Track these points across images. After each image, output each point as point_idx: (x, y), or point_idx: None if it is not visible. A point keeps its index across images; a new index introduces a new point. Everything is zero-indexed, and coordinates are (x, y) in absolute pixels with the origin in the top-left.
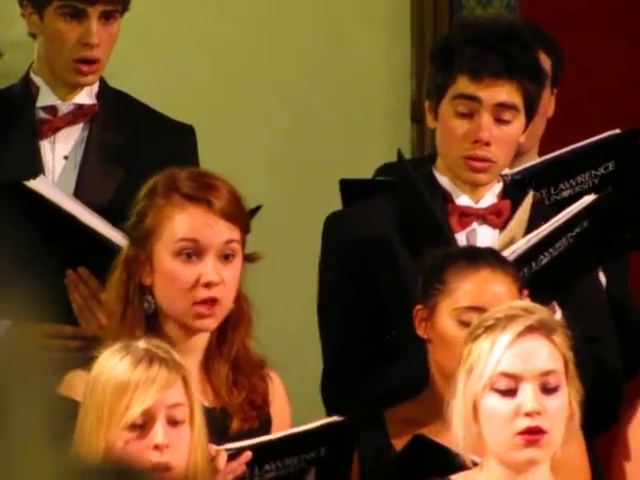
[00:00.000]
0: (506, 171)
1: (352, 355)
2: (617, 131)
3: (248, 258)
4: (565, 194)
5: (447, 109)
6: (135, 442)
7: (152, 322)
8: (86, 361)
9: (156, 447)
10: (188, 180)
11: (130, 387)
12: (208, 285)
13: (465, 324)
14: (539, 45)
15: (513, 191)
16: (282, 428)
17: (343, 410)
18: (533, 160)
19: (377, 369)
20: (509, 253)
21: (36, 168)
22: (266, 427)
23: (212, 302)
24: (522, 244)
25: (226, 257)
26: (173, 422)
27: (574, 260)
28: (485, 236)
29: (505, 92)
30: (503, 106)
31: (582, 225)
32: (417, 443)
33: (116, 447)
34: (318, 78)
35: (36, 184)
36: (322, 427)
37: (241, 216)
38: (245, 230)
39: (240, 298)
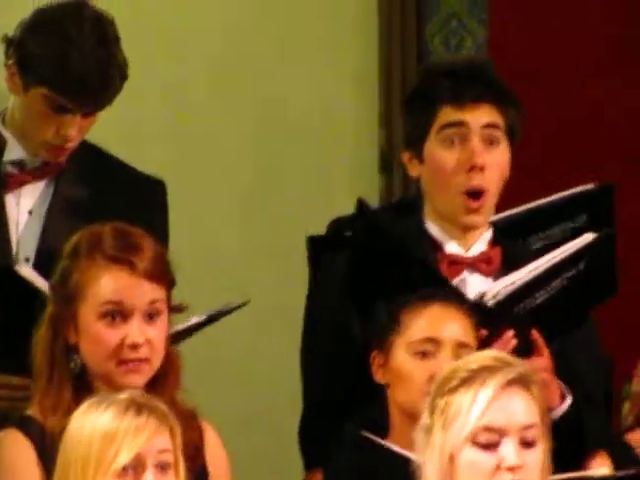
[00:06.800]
0: None
1: (329, 402)
2: (591, 186)
3: (175, 309)
4: (537, 246)
5: (434, 145)
6: None
7: (80, 380)
8: (20, 420)
9: None
10: (111, 239)
11: (119, 434)
12: (134, 346)
13: (421, 355)
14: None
15: (504, 238)
16: (219, 477)
17: (319, 453)
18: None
19: (354, 412)
20: (504, 287)
21: (0, 221)
22: (202, 478)
23: (139, 361)
24: (519, 277)
25: (150, 316)
26: (161, 468)
27: (568, 304)
28: (476, 285)
29: (487, 113)
30: (489, 127)
31: (578, 267)
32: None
33: None
34: (285, 129)
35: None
36: None
37: (165, 274)
38: (170, 286)
39: (168, 352)
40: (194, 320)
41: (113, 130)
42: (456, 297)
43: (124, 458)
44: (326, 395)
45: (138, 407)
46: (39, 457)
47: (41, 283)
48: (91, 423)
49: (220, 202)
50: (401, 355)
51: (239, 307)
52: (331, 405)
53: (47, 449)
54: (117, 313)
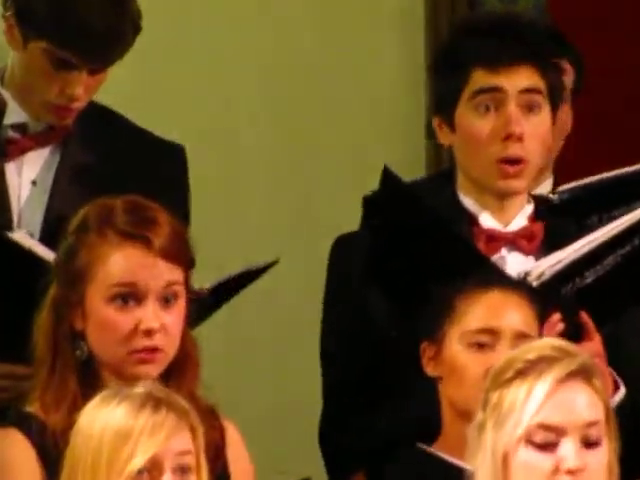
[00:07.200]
0: (542, 190)
1: (353, 391)
2: None
3: (194, 294)
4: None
5: (466, 112)
6: None
7: (87, 369)
8: (19, 418)
9: None
10: (124, 213)
11: (134, 433)
12: (148, 333)
13: (477, 347)
14: (562, 54)
15: (550, 213)
16: (241, 479)
17: (344, 453)
18: (547, 180)
19: (383, 403)
20: (549, 265)
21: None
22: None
23: (153, 349)
24: (567, 254)
25: (167, 300)
26: (181, 472)
27: (621, 283)
28: (515, 264)
29: (526, 76)
30: (528, 92)
31: (633, 243)
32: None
33: None
34: (322, 90)
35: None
36: None
37: (183, 253)
38: (189, 267)
39: (186, 341)
40: (207, 285)
41: (134, 95)
42: (511, 281)
43: (139, 461)
44: (346, 374)
45: (156, 402)
46: (40, 458)
47: (43, 252)
48: (103, 419)
49: (251, 172)
50: (455, 346)
51: (268, 267)
52: (351, 389)
53: (49, 449)
54: (130, 296)
